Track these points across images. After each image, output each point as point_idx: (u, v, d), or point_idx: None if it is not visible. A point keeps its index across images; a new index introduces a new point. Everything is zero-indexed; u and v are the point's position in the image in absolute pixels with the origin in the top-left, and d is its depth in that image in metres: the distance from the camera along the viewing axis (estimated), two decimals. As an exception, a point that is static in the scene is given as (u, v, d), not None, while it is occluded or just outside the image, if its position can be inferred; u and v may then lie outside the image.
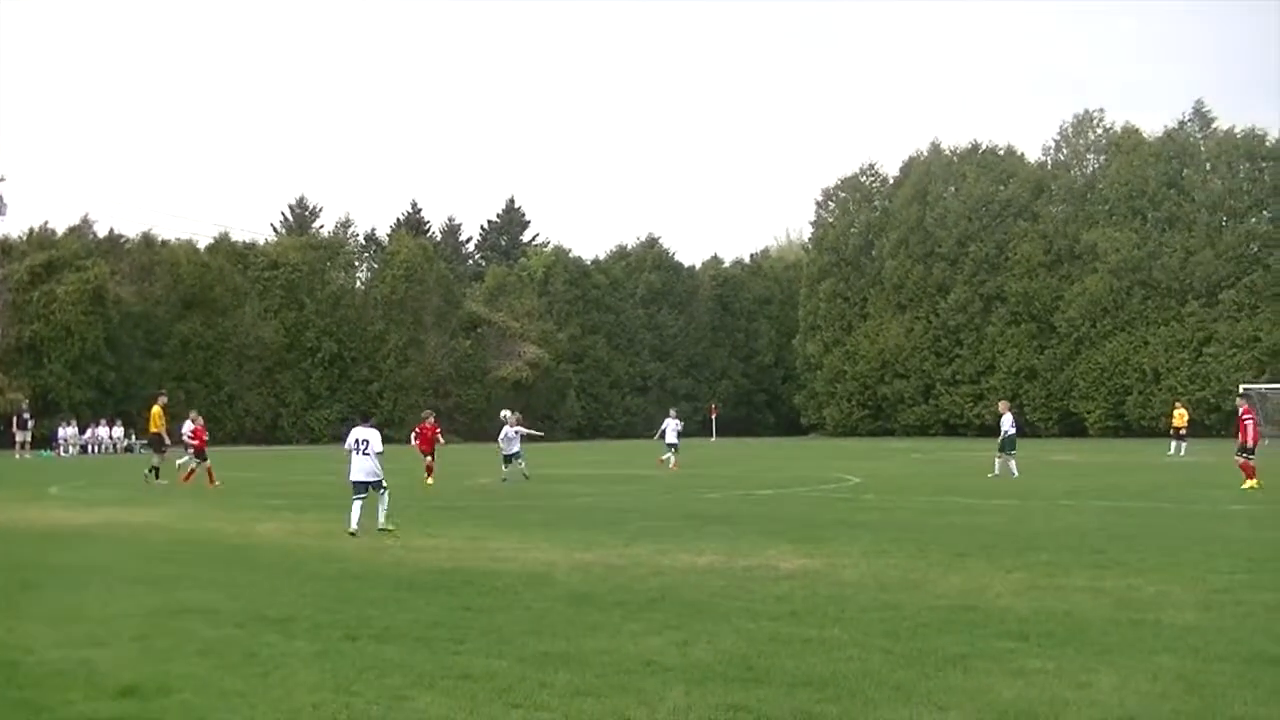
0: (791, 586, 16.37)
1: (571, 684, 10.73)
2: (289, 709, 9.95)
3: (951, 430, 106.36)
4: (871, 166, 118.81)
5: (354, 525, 23.60)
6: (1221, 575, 16.98)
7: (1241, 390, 65.89)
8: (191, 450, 41.21)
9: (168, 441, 42.97)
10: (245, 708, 10.01)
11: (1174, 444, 60.80)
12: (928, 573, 17.57)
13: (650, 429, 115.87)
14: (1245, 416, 36.96)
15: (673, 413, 53.71)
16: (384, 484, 24.70)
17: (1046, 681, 10.71)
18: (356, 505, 23.99)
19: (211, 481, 39.03)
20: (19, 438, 71.51)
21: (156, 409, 43.17)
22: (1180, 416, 63.07)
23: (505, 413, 44.38)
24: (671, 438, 51.26)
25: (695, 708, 9.90)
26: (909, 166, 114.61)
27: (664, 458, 50.67)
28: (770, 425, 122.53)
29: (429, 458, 40.51)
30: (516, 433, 42.34)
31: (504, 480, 40.33)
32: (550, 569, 18.33)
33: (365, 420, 25.57)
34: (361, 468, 24.34)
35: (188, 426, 42.04)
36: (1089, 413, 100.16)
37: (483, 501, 32.49)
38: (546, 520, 26.74)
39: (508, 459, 41.85)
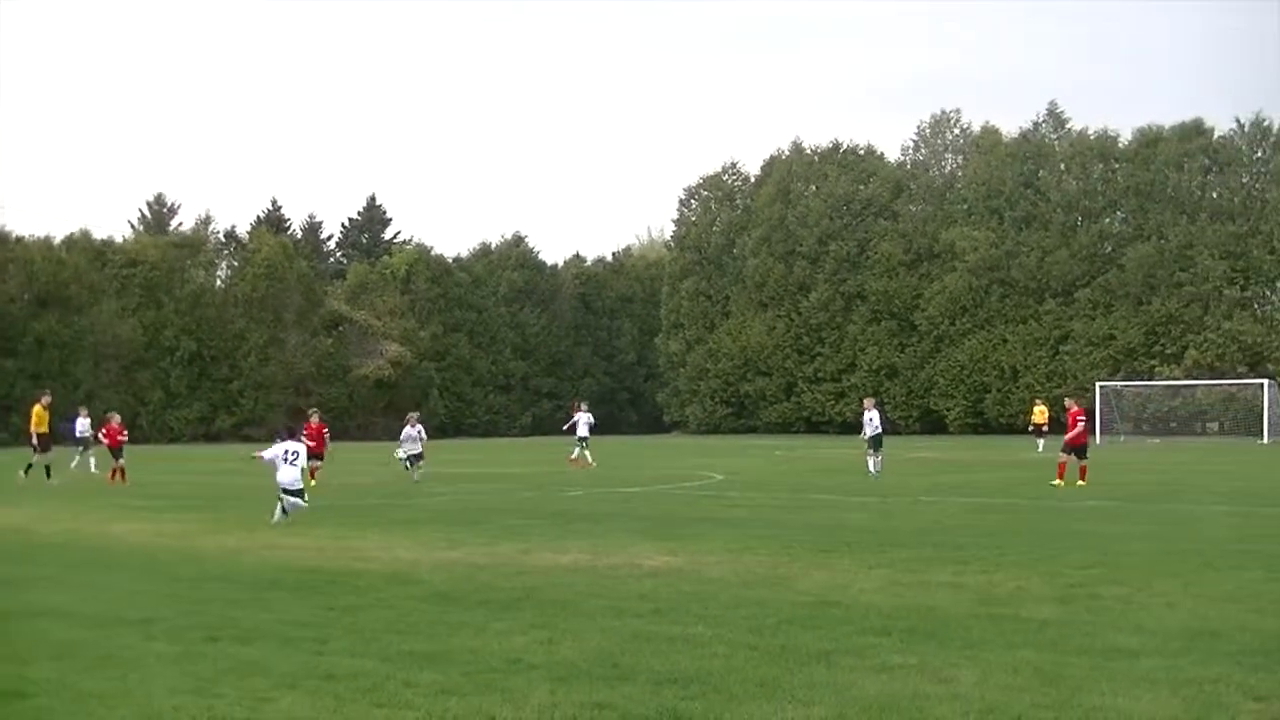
0: (655, 584, 16.41)
1: (436, 683, 10.69)
2: (149, 712, 9.82)
3: (814, 427, 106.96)
4: (734, 165, 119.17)
5: (276, 518, 25.21)
6: (1076, 570, 17.24)
7: (1098, 388, 66.89)
8: (107, 447, 42.25)
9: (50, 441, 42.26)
10: (104, 710, 9.87)
11: (1039, 441, 61.45)
12: (791, 569, 17.68)
13: (512, 427, 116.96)
14: (1079, 417, 37.74)
15: (584, 405, 53.66)
16: (304, 494, 26.39)
17: (909, 676, 10.82)
18: (285, 502, 25.46)
19: (114, 479, 40.14)
20: None
21: (38, 408, 42.38)
22: (1040, 413, 63.85)
23: (413, 414, 42.70)
24: (583, 431, 51.06)
25: (561, 706, 9.90)
26: (770, 165, 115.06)
27: (574, 455, 50.41)
28: (633, 423, 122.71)
29: (314, 460, 37.82)
30: (419, 433, 40.52)
31: (417, 481, 38.64)
32: (414, 568, 18.26)
33: (292, 435, 27.22)
34: (289, 476, 25.56)
35: (83, 424, 44.27)
36: (949, 410, 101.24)
37: (346, 501, 32.25)
38: (410, 519, 26.63)
39: (413, 460, 39.92)
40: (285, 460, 25.58)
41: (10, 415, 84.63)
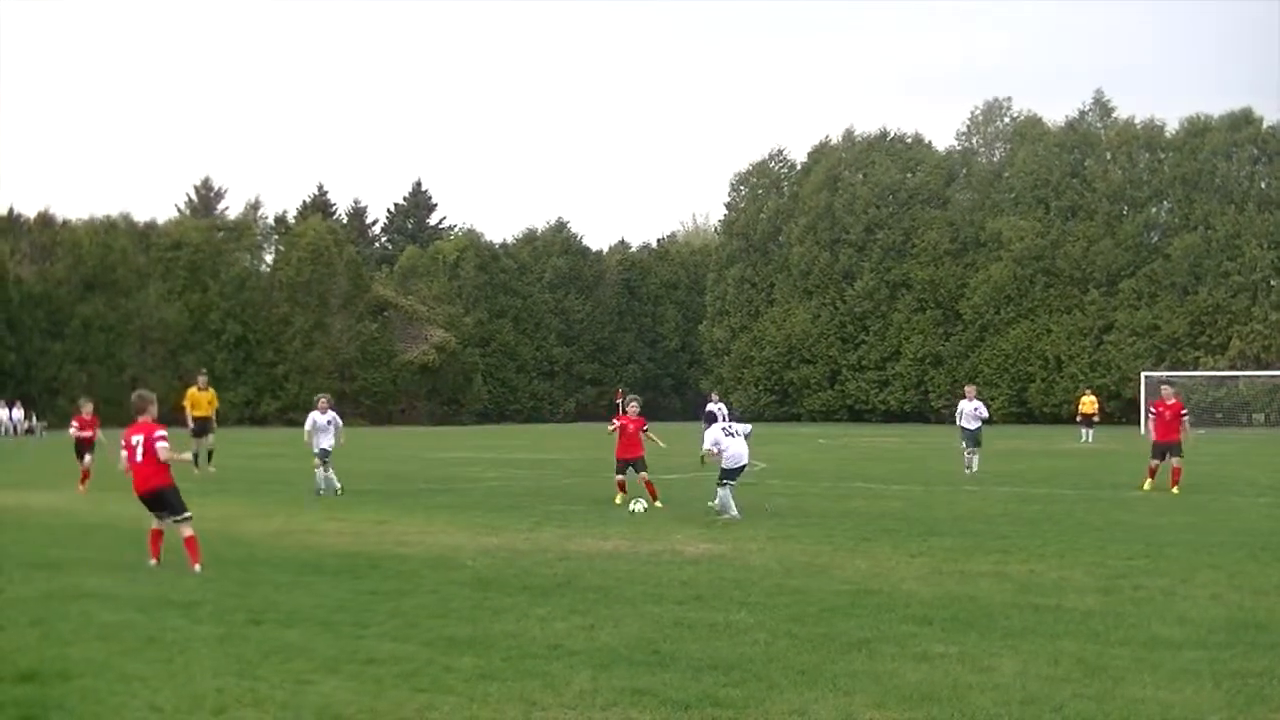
0: (696, 571, 16.42)
1: (477, 668, 10.72)
2: (192, 694, 9.87)
3: (857, 415, 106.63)
4: (780, 152, 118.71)
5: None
6: (1120, 561, 17.16)
7: (1143, 378, 66.28)
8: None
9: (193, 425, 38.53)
10: (147, 692, 9.91)
11: (1084, 431, 60.95)
12: (833, 557, 17.66)
13: (555, 413, 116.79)
14: (1181, 411, 32.36)
15: (714, 396, 52.04)
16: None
17: (949, 665, 10.80)
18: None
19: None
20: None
21: (193, 390, 38.96)
22: (1089, 404, 63.13)
23: (322, 397, 32.77)
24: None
25: (601, 691, 9.91)
26: (818, 153, 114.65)
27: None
28: (676, 410, 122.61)
29: None
30: (330, 421, 30.76)
31: (319, 492, 29.48)
32: (456, 553, 18.31)
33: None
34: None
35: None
36: (993, 399, 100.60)
37: (388, 486, 32.34)
38: (452, 504, 26.70)
39: (324, 456, 30.12)
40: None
41: (57, 399, 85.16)
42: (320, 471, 29.61)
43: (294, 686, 10.11)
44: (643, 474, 26.57)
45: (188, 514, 17.29)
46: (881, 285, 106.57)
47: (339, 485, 29.51)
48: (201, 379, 39.83)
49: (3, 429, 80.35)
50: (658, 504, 25.26)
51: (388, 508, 25.69)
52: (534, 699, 9.70)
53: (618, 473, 27.26)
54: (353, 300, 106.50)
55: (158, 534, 17.53)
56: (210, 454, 37.47)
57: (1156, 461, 30.59)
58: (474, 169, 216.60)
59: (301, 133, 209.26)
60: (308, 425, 30.75)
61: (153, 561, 17.36)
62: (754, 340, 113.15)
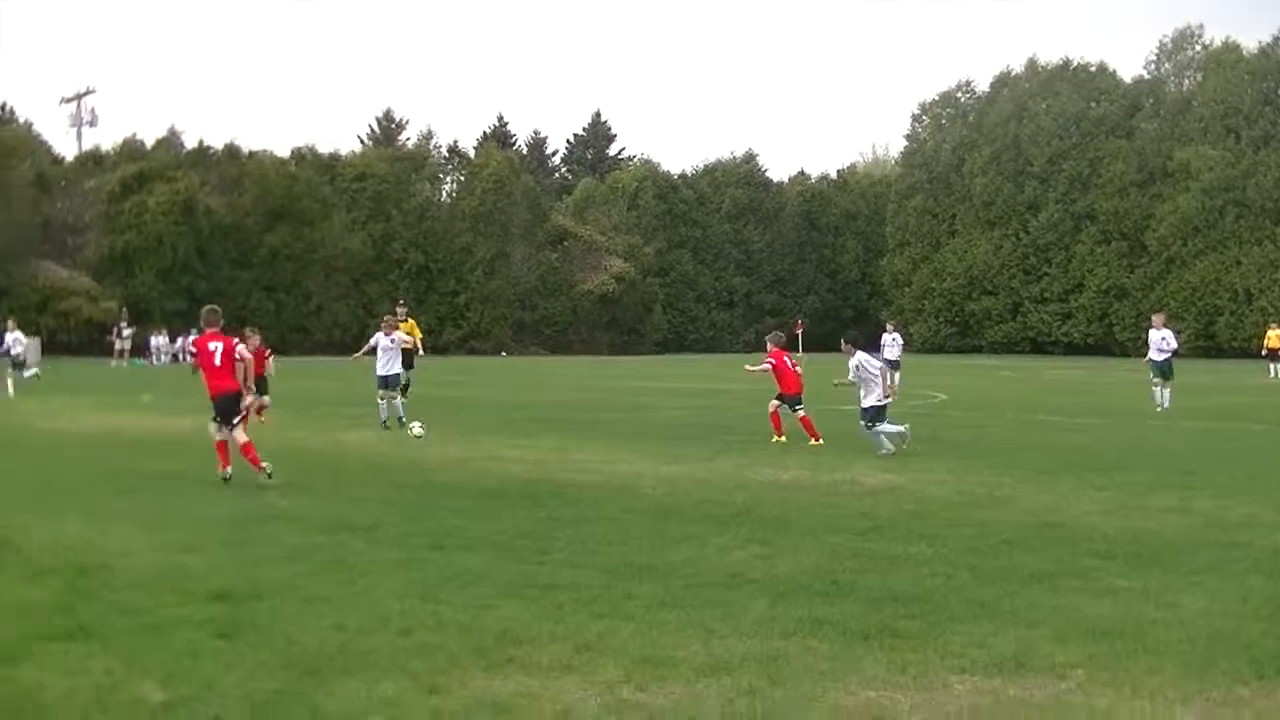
0: (875, 502, 16.33)
1: (655, 595, 10.74)
2: (375, 616, 10.01)
3: (1039, 348, 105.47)
4: (967, 83, 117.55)
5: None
6: (1313, 497, 16.76)
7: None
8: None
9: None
10: (333, 613, 10.08)
11: (1271, 367, 59.43)
12: (1014, 489, 17.47)
13: (735, 343, 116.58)
14: None
15: (890, 326, 51.17)
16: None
17: (1133, 600, 10.61)
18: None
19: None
20: (117, 346, 72.50)
21: (411, 323, 36.08)
22: (1276, 338, 61.58)
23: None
24: (892, 354, 46.63)
25: (779, 620, 9.88)
26: (1001, 83, 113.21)
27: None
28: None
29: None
30: (394, 342, 29.71)
31: (386, 424, 28.24)
32: (635, 481, 18.38)
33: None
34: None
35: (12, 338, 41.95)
36: (1179, 333, 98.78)
37: (568, 414, 32.55)
38: (632, 433, 26.84)
39: (390, 385, 29.12)
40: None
41: (245, 326, 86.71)
42: (395, 402, 28.70)
43: (475, 610, 10.21)
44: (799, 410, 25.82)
45: (242, 420, 18.71)
46: (1066, 217, 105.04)
47: (402, 414, 28.23)
48: (400, 309, 36.73)
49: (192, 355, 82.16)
50: (818, 442, 24.59)
51: (568, 436, 25.85)
52: (712, 627, 9.70)
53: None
54: (532, 230, 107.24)
55: (223, 445, 18.62)
56: (406, 386, 33.60)
57: None
58: (653, 100, 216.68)
59: (482, 64, 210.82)
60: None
61: (227, 470, 18.36)
62: (934, 272, 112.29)
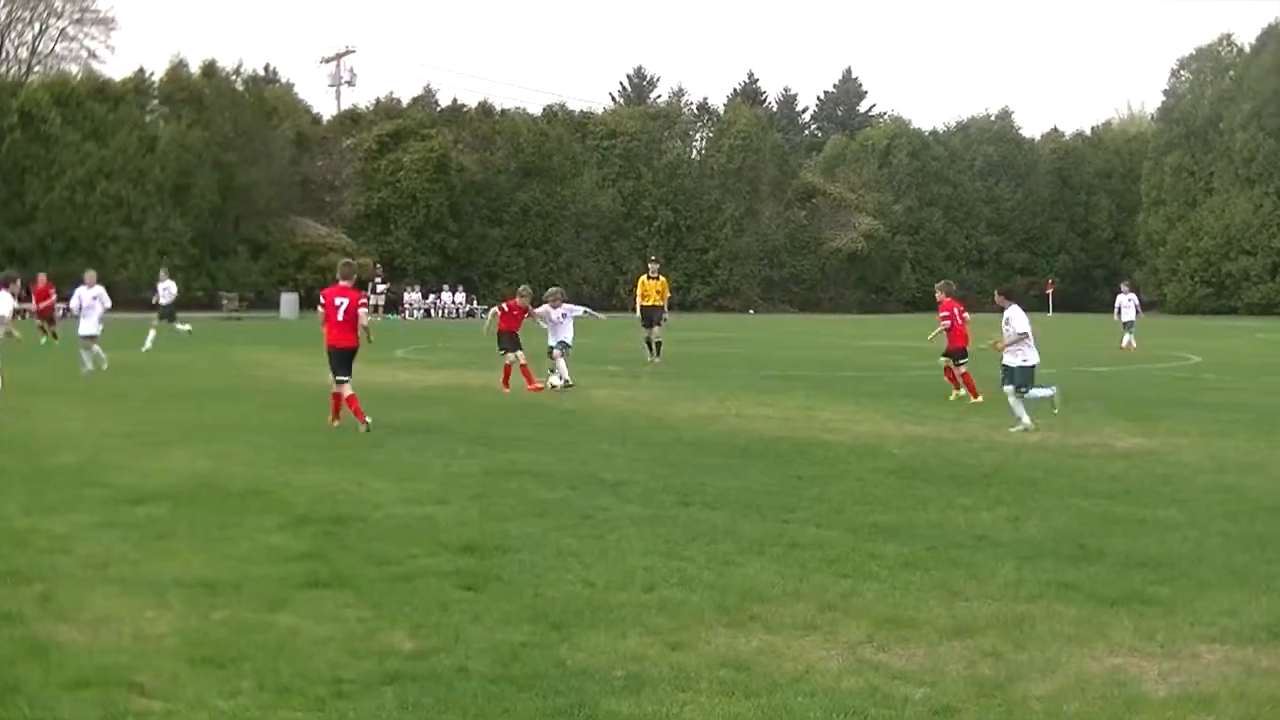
0: (1126, 465, 16.05)
1: (900, 556, 10.71)
2: (622, 570, 10.13)
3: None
4: (1228, 36, 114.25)
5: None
6: None
7: None
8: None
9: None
10: (580, 567, 10.22)
11: None
12: (1270, 454, 17.05)
13: (986, 302, 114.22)
14: None
15: (1124, 287, 50.22)
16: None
17: (1400, 572, 10.29)
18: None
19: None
20: (371, 301, 74.07)
21: (643, 278, 36.85)
22: None
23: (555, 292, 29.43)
24: (1129, 315, 46.59)
25: (1025, 583, 9.79)
26: (1267, 36, 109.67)
27: (1125, 341, 45.04)
28: (1107, 302, 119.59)
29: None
30: (564, 315, 28.37)
31: (554, 386, 26.87)
32: (881, 441, 18.32)
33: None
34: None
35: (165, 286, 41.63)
36: None
37: (815, 372, 32.49)
38: (879, 392, 26.67)
39: (562, 349, 27.72)
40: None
41: (496, 282, 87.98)
42: (561, 362, 27.27)
43: (720, 567, 10.29)
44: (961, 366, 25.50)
45: (349, 377, 19.50)
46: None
47: (567, 377, 27.09)
48: (653, 266, 37.80)
49: (445, 311, 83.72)
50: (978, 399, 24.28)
51: (816, 394, 25.81)
52: (957, 589, 9.65)
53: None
54: (780, 187, 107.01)
55: (338, 397, 19.63)
56: (658, 346, 34.93)
57: None
58: (904, 57, 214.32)
59: (733, 21, 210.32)
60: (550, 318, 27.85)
61: (336, 422, 19.47)
62: (1190, 230, 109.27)
